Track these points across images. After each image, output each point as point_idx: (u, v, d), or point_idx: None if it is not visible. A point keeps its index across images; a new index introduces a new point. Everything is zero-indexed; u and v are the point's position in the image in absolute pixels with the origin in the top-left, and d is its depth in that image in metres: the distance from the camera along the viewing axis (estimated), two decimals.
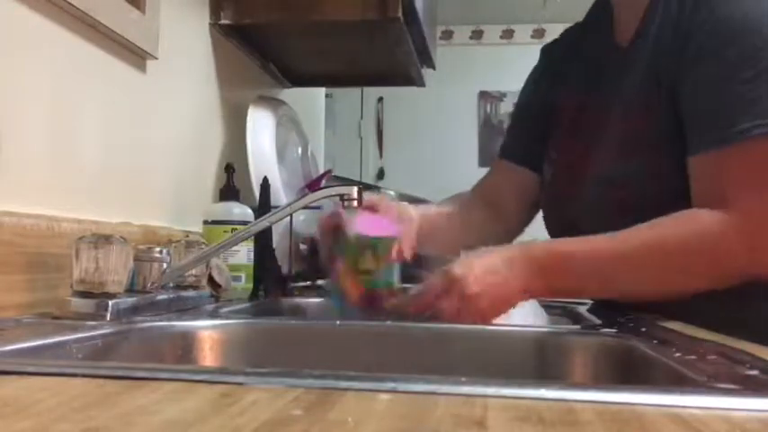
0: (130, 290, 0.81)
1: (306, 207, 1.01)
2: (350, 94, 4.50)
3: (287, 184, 1.44)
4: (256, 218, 1.12)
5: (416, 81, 1.81)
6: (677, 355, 0.58)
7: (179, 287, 0.92)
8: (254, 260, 1.15)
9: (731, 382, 0.46)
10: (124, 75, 1.07)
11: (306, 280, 1.35)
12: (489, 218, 1.20)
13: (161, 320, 0.77)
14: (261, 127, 1.42)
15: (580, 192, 1.03)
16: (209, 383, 0.44)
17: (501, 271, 0.87)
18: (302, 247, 1.29)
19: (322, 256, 0.98)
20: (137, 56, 1.10)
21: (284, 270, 1.20)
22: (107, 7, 0.97)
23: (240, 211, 1.22)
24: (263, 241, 1.14)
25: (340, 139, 4.44)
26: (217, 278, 1.02)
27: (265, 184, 1.16)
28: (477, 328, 0.84)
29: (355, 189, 0.92)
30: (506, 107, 4.51)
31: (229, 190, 1.24)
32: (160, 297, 0.85)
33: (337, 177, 1.74)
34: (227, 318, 0.86)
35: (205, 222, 1.22)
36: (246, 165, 1.35)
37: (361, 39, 1.52)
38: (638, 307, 0.94)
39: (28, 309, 0.78)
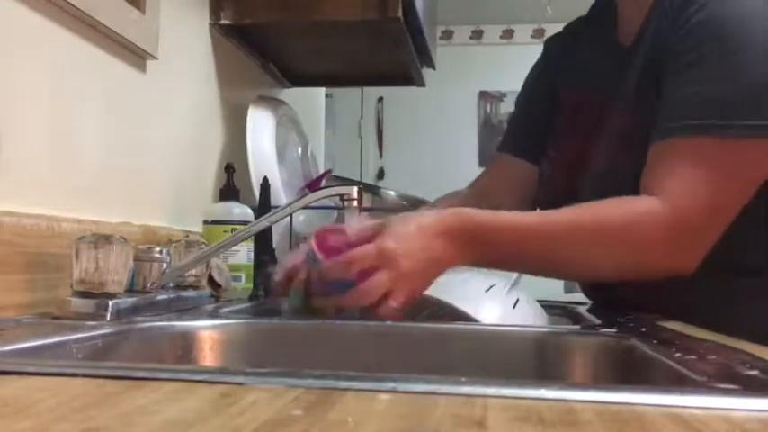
0: (130, 290, 0.81)
1: (306, 207, 1.01)
2: (350, 94, 4.49)
3: (287, 184, 1.44)
4: (256, 218, 1.12)
5: (416, 81, 1.81)
6: (677, 355, 0.58)
7: (179, 287, 0.92)
8: (254, 260, 1.15)
9: (731, 382, 0.46)
10: (124, 75, 1.07)
11: None
12: None
13: (161, 320, 0.77)
14: (261, 127, 1.42)
15: (578, 190, 1.03)
16: (209, 383, 0.44)
17: (432, 244, 0.83)
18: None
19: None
20: (137, 56, 1.10)
21: None
22: (107, 7, 0.97)
23: (240, 211, 1.22)
24: (263, 241, 1.14)
25: (340, 139, 4.43)
26: (217, 278, 1.02)
27: (265, 184, 1.16)
28: (477, 328, 0.84)
29: (355, 189, 0.92)
30: (506, 107, 4.51)
31: (229, 190, 1.24)
32: (160, 297, 0.85)
33: (337, 177, 1.74)
34: (227, 318, 0.86)
35: (205, 222, 1.22)
36: (246, 165, 1.35)
37: (361, 39, 1.52)
38: (639, 307, 0.94)
39: (28, 309, 0.78)
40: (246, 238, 1.10)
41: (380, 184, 4.25)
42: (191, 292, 0.93)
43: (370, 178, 4.50)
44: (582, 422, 0.37)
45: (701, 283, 0.89)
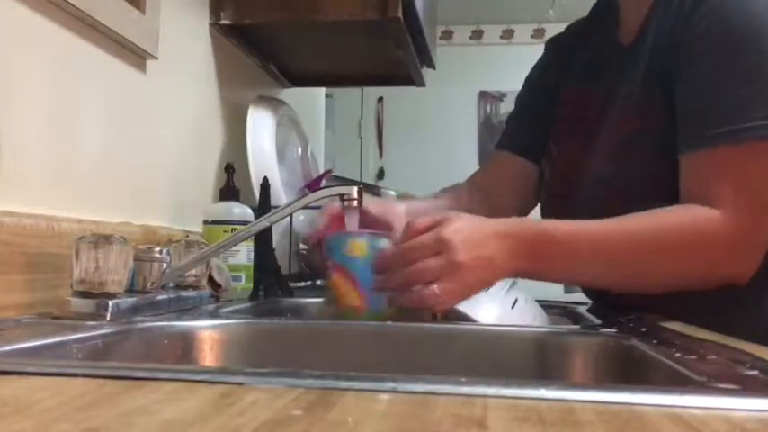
0: (130, 290, 0.81)
1: (306, 207, 1.01)
2: (350, 94, 4.49)
3: (287, 184, 1.44)
4: (256, 218, 1.12)
5: (416, 81, 1.81)
6: (677, 355, 0.58)
7: (179, 287, 0.92)
8: (254, 260, 1.15)
9: (731, 382, 0.46)
10: (124, 75, 1.07)
11: (306, 280, 1.35)
12: (482, 211, 1.20)
13: (161, 320, 0.77)
14: (261, 127, 1.42)
15: (577, 191, 1.03)
16: (209, 383, 0.44)
17: (490, 241, 0.83)
18: (302, 247, 1.29)
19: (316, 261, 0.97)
20: (137, 56, 1.10)
21: (284, 270, 1.20)
22: (107, 7, 0.97)
23: (240, 211, 1.22)
24: (263, 241, 1.14)
25: (340, 139, 4.44)
26: (217, 278, 1.02)
27: (265, 184, 1.16)
28: (477, 328, 0.84)
29: (355, 189, 0.92)
30: (506, 107, 4.50)
31: (229, 190, 1.24)
32: (160, 297, 0.84)
33: (337, 177, 1.74)
34: (227, 318, 0.86)
35: (205, 222, 1.22)
36: (246, 165, 1.35)
37: (361, 39, 1.52)
38: (639, 307, 0.94)
39: (28, 309, 0.78)
40: (246, 238, 1.10)
41: (380, 184, 4.25)
42: (191, 292, 0.93)
43: (370, 178, 4.50)
44: (582, 422, 0.37)
45: None
